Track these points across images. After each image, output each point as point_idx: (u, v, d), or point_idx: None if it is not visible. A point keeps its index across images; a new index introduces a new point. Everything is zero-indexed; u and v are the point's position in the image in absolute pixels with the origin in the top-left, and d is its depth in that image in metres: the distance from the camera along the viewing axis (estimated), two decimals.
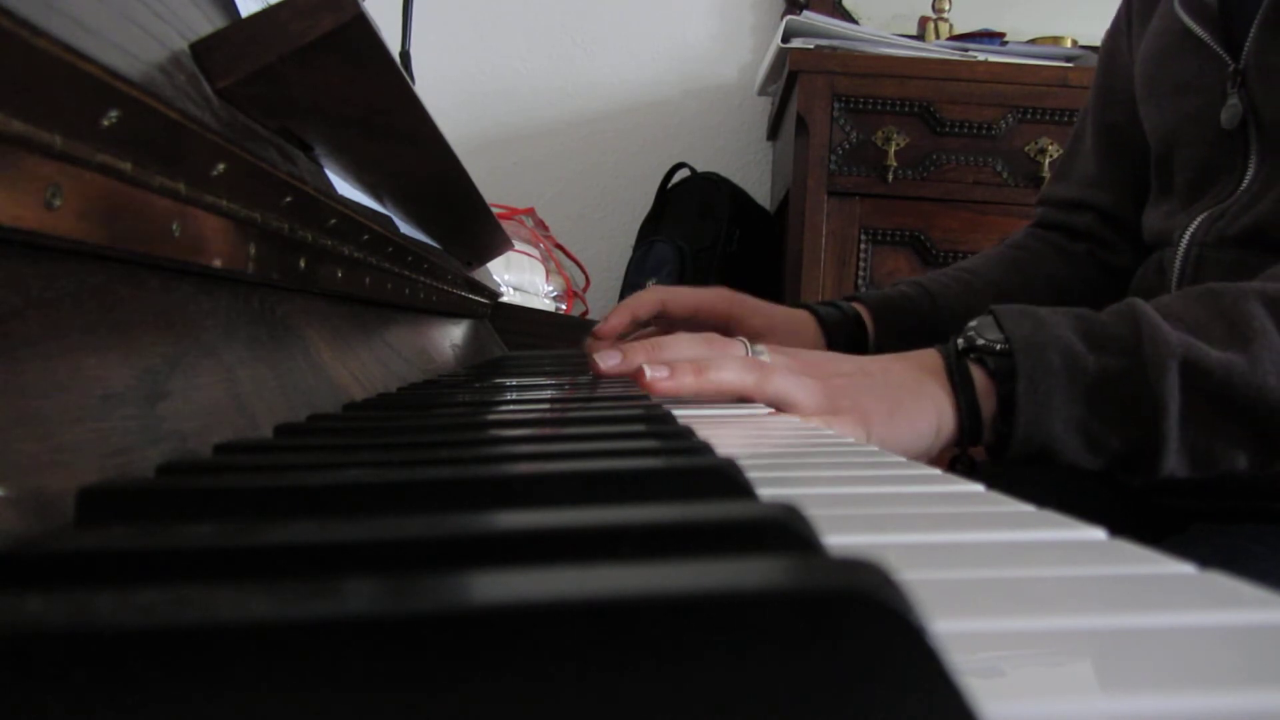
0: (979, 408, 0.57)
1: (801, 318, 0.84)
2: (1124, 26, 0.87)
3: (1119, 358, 0.54)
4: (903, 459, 0.37)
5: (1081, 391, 0.55)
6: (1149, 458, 0.55)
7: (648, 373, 0.54)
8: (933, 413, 0.58)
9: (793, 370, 0.57)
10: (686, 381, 0.54)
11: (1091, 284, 0.87)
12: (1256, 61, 0.67)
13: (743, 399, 0.55)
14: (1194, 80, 0.72)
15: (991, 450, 0.59)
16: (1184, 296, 0.58)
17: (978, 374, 0.58)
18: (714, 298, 0.83)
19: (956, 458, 0.62)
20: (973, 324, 0.59)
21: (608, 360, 0.58)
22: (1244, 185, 0.69)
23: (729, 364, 0.55)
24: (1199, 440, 0.55)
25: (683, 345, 0.60)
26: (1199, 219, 0.71)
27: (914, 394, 0.58)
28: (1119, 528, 0.24)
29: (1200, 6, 0.71)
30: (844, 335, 0.84)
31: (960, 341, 0.59)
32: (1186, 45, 0.72)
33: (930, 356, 0.60)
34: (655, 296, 0.82)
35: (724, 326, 0.81)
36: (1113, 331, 0.55)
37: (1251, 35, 0.67)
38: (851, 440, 0.45)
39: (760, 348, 0.60)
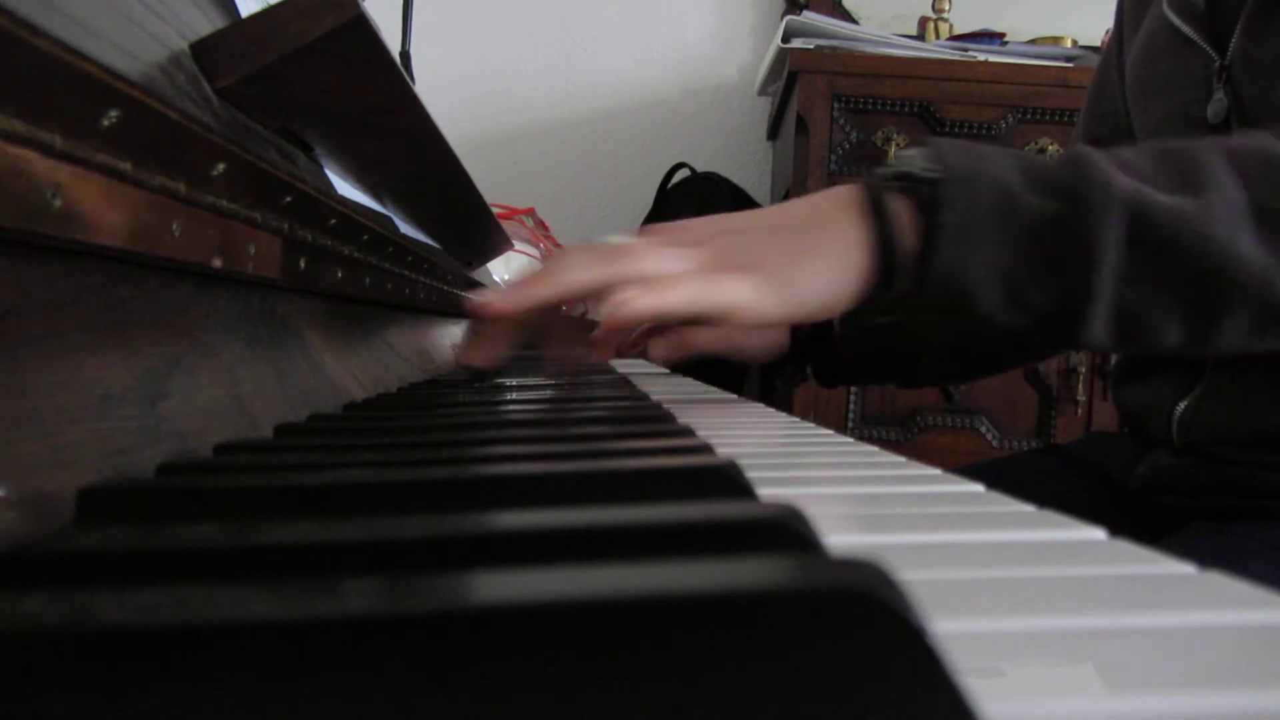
0: (896, 245, 0.50)
1: None
2: (1116, 36, 0.87)
3: (1059, 201, 0.49)
4: (901, 459, 0.37)
5: (1013, 234, 0.49)
6: (1071, 319, 0.50)
7: (491, 302, 0.49)
8: (842, 251, 0.51)
9: (663, 244, 0.51)
10: (533, 292, 0.49)
11: None
12: (1242, 56, 0.67)
13: (604, 294, 0.49)
14: (1181, 77, 0.72)
15: (902, 297, 0.52)
16: (1135, 149, 0.52)
17: (901, 204, 0.51)
18: None
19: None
20: (905, 151, 0.53)
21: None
22: None
23: (575, 261, 0.49)
24: (1131, 302, 0.49)
25: (529, 269, 0.52)
26: None
27: (819, 233, 0.51)
28: (1117, 528, 0.24)
29: (1187, 5, 0.72)
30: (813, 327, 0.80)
31: (887, 168, 0.53)
32: (1174, 44, 0.73)
33: (845, 189, 0.53)
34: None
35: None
36: (1055, 174, 0.50)
37: (1238, 31, 0.67)
38: (851, 440, 0.45)
39: (620, 236, 0.53)
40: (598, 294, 0.49)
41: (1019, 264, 0.49)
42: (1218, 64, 0.69)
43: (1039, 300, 0.50)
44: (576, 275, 0.48)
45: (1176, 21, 0.72)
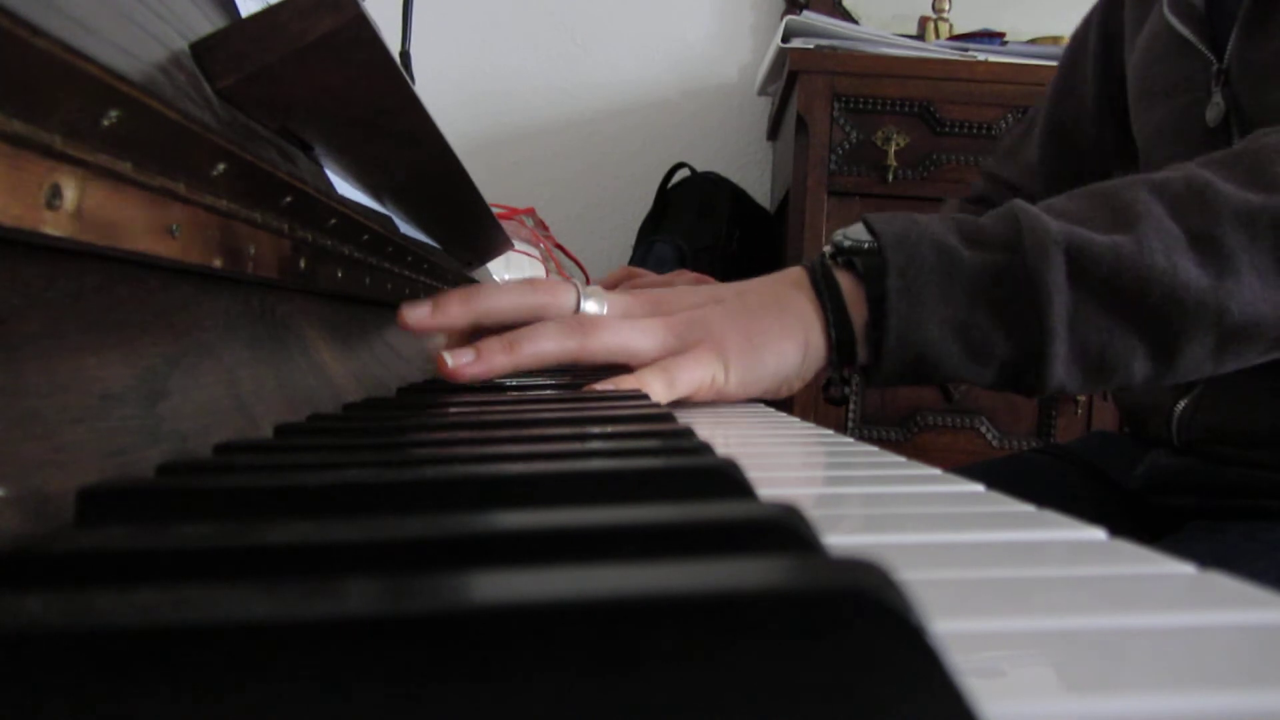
0: (848, 316, 0.52)
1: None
2: (1100, 23, 0.88)
3: (998, 252, 0.50)
4: (902, 459, 0.37)
5: (959, 290, 0.50)
6: (1035, 364, 0.50)
7: (449, 361, 0.50)
8: (798, 330, 0.52)
9: (629, 315, 0.53)
10: (498, 362, 0.50)
11: None
12: (1239, 59, 0.67)
13: (574, 362, 0.51)
14: (1181, 80, 0.73)
15: (864, 370, 0.54)
16: (1066, 196, 0.54)
17: (845, 278, 0.52)
18: (618, 276, 0.83)
19: (830, 380, 0.57)
20: (841, 230, 0.54)
21: (414, 313, 0.52)
22: None
23: (545, 332, 0.50)
24: (1090, 340, 0.50)
25: (500, 300, 0.53)
26: None
27: (774, 312, 0.53)
28: (1117, 528, 0.24)
29: (1187, 8, 0.72)
30: None
31: (827, 248, 0.54)
32: (1174, 46, 0.73)
33: (793, 271, 0.55)
34: (623, 272, 0.83)
35: None
36: (990, 229, 0.51)
37: (1234, 34, 0.68)
38: (851, 440, 0.45)
39: (593, 290, 0.54)
40: (560, 363, 0.51)
41: (972, 318, 0.50)
42: (1216, 67, 0.69)
43: (1000, 351, 0.50)
44: (546, 347, 0.50)
45: (1176, 24, 0.73)
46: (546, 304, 0.52)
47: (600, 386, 0.50)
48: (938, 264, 0.50)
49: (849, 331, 0.52)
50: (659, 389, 0.50)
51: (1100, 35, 0.87)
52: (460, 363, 0.49)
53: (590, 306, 0.54)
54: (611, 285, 0.79)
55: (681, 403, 0.59)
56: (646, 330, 0.51)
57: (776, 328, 0.52)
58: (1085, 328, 0.49)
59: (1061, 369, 0.50)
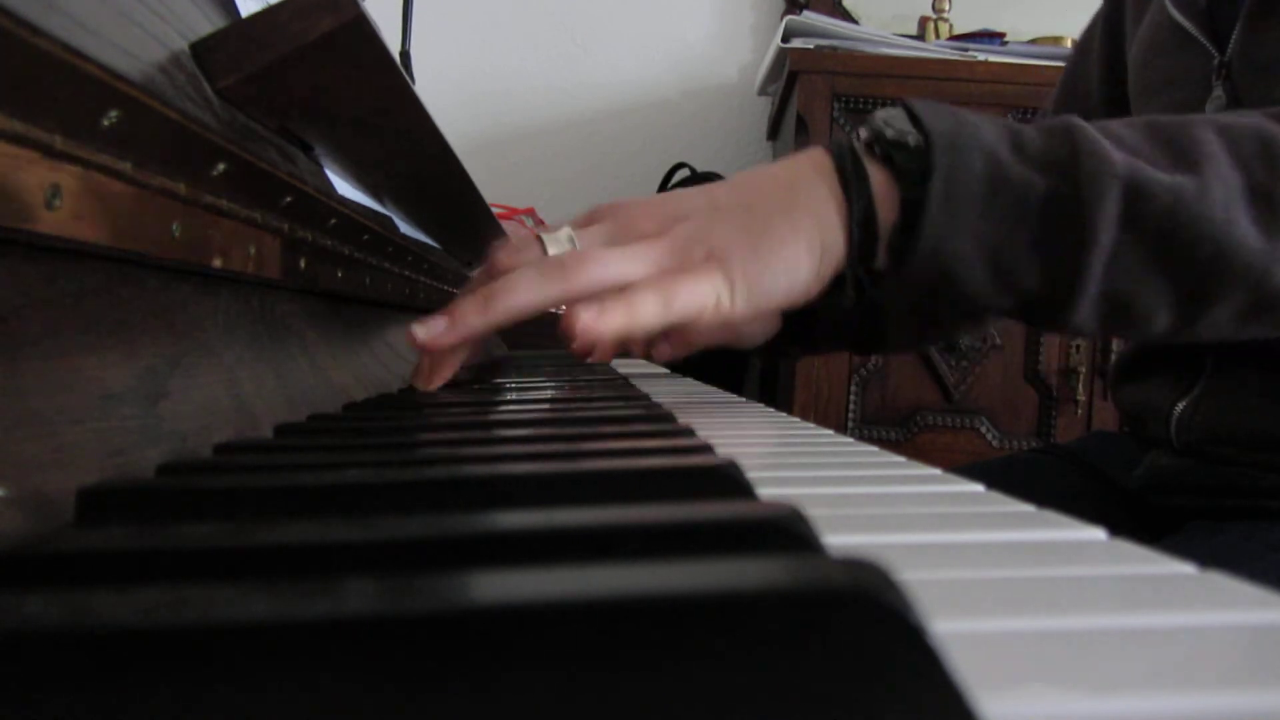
0: (875, 214, 0.46)
1: None
2: (1104, 36, 0.87)
3: (1050, 175, 0.45)
4: (901, 459, 0.37)
5: (1001, 208, 0.45)
6: (1060, 301, 0.46)
7: (420, 335, 0.45)
8: (814, 230, 0.46)
9: (614, 242, 0.47)
10: (472, 323, 0.44)
11: None
12: (1241, 54, 0.66)
13: (560, 305, 0.45)
14: (1182, 74, 0.72)
15: (877, 276, 0.48)
16: (1126, 122, 0.49)
17: (878, 173, 0.46)
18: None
19: (839, 284, 0.49)
20: (880, 113, 0.48)
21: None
22: None
23: (522, 282, 0.44)
24: (1122, 285, 0.46)
25: (473, 285, 0.48)
26: None
27: (786, 210, 0.46)
28: (1117, 528, 0.24)
29: (1189, 2, 0.71)
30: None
31: (863, 131, 0.48)
32: (1176, 40, 0.72)
33: (814, 155, 0.48)
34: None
35: None
36: (1045, 145, 0.46)
37: (1237, 28, 0.67)
38: (851, 440, 0.45)
39: (557, 236, 0.48)
40: (544, 310, 0.45)
41: (1009, 242, 0.45)
42: (1217, 61, 0.69)
43: (1028, 281, 0.46)
44: (523, 297, 0.44)
45: (1178, 17, 0.72)
46: (571, 287, 0.45)
47: (584, 317, 0.43)
48: (984, 175, 0.44)
49: (873, 234, 0.46)
50: (651, 308, 0.44)
51: (1105, 33, 0.87)
52: (434, 333, 0.44)
53: (561, 245, 0.48)
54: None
55: (683, 404, 0.59)
56: (636, 255, 0.45)
57: (787, 230, 0.46)
58: (1122, 273, 0.46)
59: (1085, 310, 0.47)
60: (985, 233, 0.45)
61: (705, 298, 0.45)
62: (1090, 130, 0.46)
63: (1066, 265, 0.46)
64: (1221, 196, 0.45)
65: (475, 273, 0.50)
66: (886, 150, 0.46)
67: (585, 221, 0.50)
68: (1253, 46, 0.66)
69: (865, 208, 0.46)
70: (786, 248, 0.46)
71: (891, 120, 0.47)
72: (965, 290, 0.47)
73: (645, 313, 0.44)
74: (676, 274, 0.45)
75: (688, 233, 0.46)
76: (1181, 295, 0.47)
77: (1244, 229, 0.45)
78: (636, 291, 0.44)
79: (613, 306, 0.44)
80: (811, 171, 0.47)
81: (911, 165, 0.45)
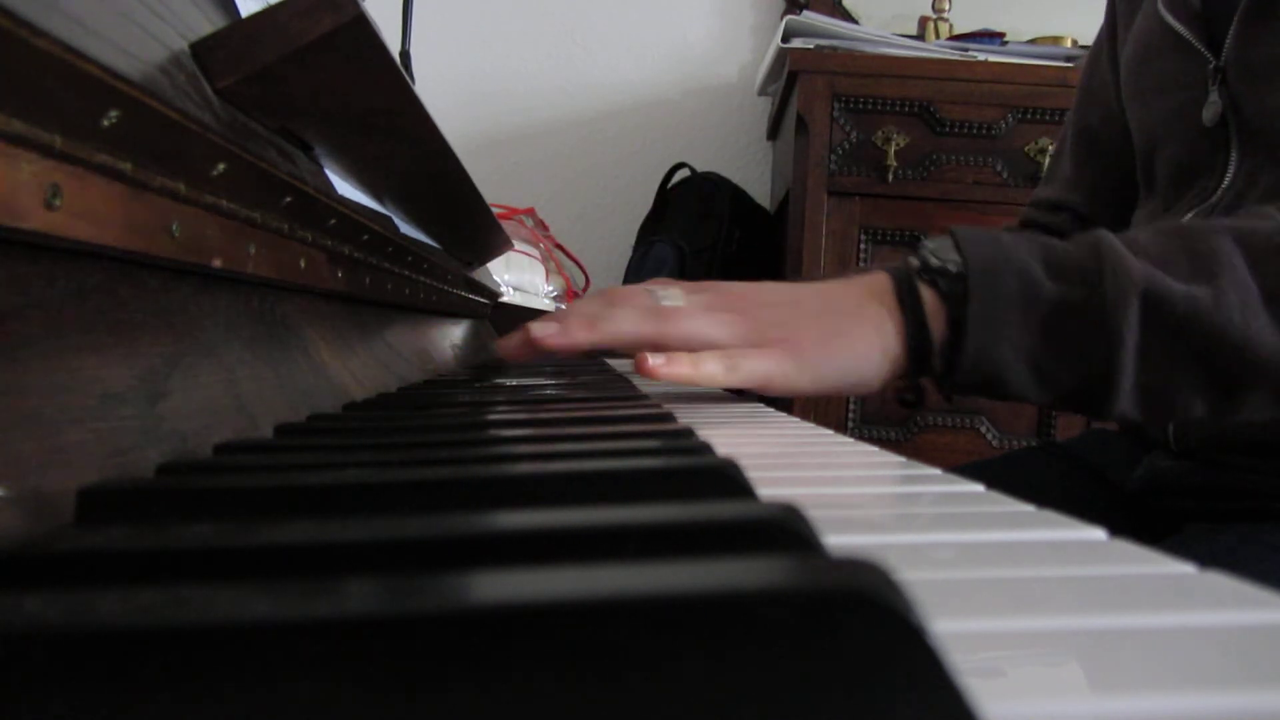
0: (928, 330, 0.54)
1: None
2: (1107, 32, 0.87)
3: (1079, 287, 0.51)
4: (902, 459, 0.37)
5: (1037, 320, 0.52)
6: (1101, 395, 0.52)
7: (535, 331, 0.54)
8: (874, 337, 0.54)
9: (709, 308, 0.55)
10: (579, 336, 0.54)
11: None
12: (1237, 58, 0.67)
13: (652, 347, 0.53)
14: (1177, 78, 0.72)
15: (939, 380, 0.56)
16: (1153, 229, 0.55)
17: (928, 295, 0.54)
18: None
19: (903, 388, 0.58)
20: (929, 243, 0.56)
21: (506, 344, 0.58)
22: (1226, 183, 0.69)
23: (624, 314, 0.54)
24: (1154, 379, 0.51)
25: (581, 304, 0.58)
26: (1187, 218, 0.71)
27: (854, 317, 0.54)
28: (1116, 528, 0.24)
29: (1183, 5, 0.71)
30: None
31: (914, 260, 0.56)
32: (1169, 44, 0.73)
33: (877, 278, 0.56)
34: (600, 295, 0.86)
35: None
36: (1075, 260, 0.53)
37: (1232, 32, 0.67)
38: (851, 440, 0.45)
39: (671, 292, 0.57)
40: (638, 347, 0.53)
41: (1045, 347, 0.52)
42: (1212, 65, 0.69)
43: (1067, 379, 0.52)
44: (625, 329, 0.53)
45: (1171, 21, 0.72)
46: (665, 332, 0.53)
47: (653, 359, 0.52)
48: (1019, 293, 0.52)
49: (927, 346, 0.54)
50: (717, 370, 0.52)
51: (1108, 37, 0.87)
52: (546, 333, 0.53)
53: (669, 301, 0.56)
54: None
55: (683, 404, 0.59)
56: (725, 323, 0.53)
57: (855, 332, 0.54)
58: (1152, 368, 0.51)
59: (1125, 400, 0.52)
60: (1024, 342, 0.52)
61: (770, 372, 0.53)
62: (1116, 243, 0.52)
63: (1100, 365, 0.51)
64: (1238, 303, 0.50)
65: (588, 293, 0.61)
66: (933, 276, 0.54)
67: (692, 289, 0.58)
68: (1247, 50, 0.66)
69: (918, 324, 0.54)
70: (850, 346, 0.54)
71: (938, 250, 0.55)
72: (1011, 391, 0.53)
73: (708, 372, 0.52)
74: (747, 348, 0.53)
75: (770, 317, 0.54)
76: (1213, 387, 0.52)
77: (1261, 330, 0.50)
78: (706, 355, 0.52)
79: (679, 360, 0.52)
80: (875, 294, 0.55)
81: (954, 289, 0.53)
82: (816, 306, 0.55)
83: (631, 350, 0.54)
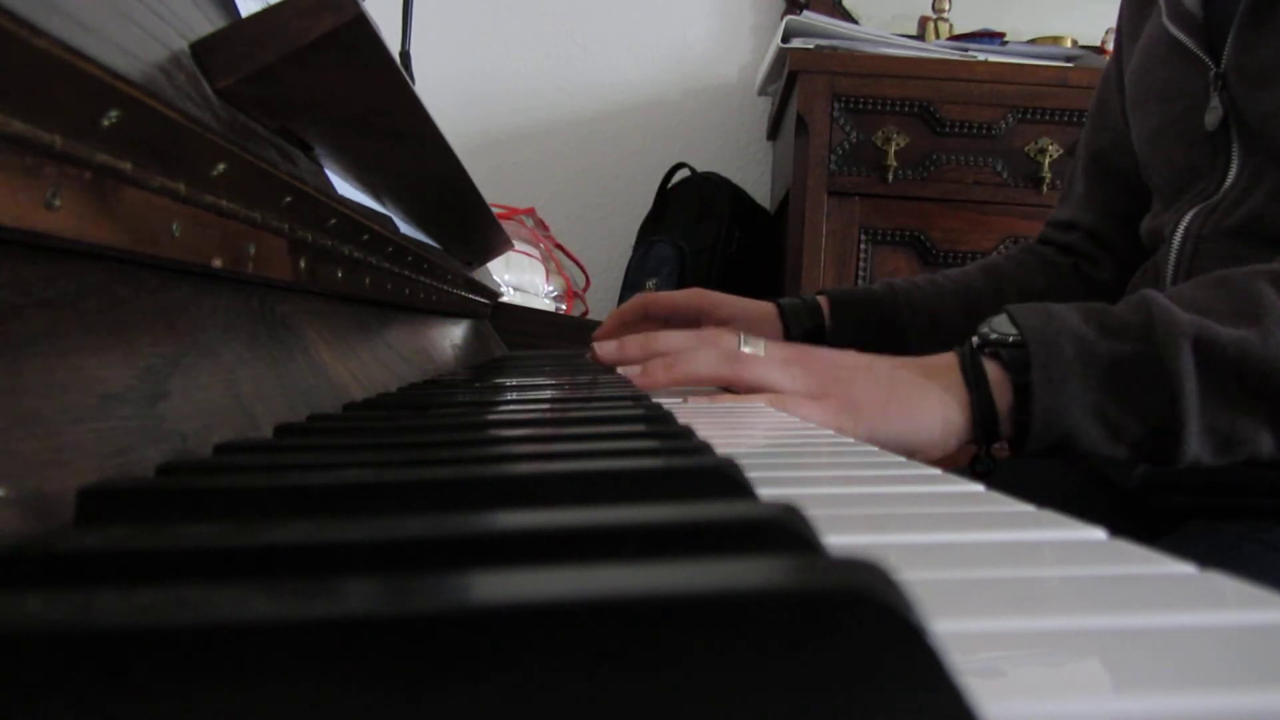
0: (993, 401, 0.58)
1: (765, 309, 0.90)
2: (1115, 55, 0.90)
3: (1131, 342, 0.55)
4: (902, 459, 0.37)
5: (1096, 377, 0.55)
6: (1171, 442, 0.55)
7: (621, 372, 0.59)
8: (936, 408, 0.58)
9: (782, 361, 0.59)
10: (658, 376, 0.59)
11: (1073, 295, 0.89)
12: (1235, 64, 0.69)
13: (723, 388, 0.59)
14: (1180, 85, 0.74)
15: (1012, 444, 0.60)
16: (1194, 283, 0.59)
17: (992, 367, 0.58)
18: (687, 296, 0.91)
19: (976, 456, 0.62)
20: (986, 322, 0.61)
21: (604, 348, 0.63)
22: (1229, 183, 0.71)
23: (702, 356, 0.59)
24: (1220, 420, 0.55)
25: (672, 339, 0.63)
26: (1190, 214, 0.73)
27: (917, 389, 0.59)
28: (1115, 528, 0.24)
29: (1185, 15, 0.74)
30: (801, 325, 0.89)
31: (975, 339, 0.60)
32: (1173, 53, 0.75)
33: (944, 357, 0.61)
34: (638, 301, 0.91)
35: (697, 321, 0.88)
36: (1123, 319, 0.56)
37: (1230, 39, 0.69)
38: (851, 440, 0.45)
39: (754, 340, 0.62)
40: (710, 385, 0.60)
41: (1109, 401, 0.56)
42: (1213, 72, 0.71)
43: (1135, 430, 0.56)
44: (702, 371, 0.58)
45: (1175, 31, 0.74)
46: (740, 376, 0.59)
47: (722, 399, 0.58)
48: (1076, 355, 0.56)
49: (993, 414, 0.58)
50: (787, 409, 0.56)
51: (1117, 57, 0.89)
52: (630, 373, 0.59)
53: (749, 348, 0.61)
54: (604, 335, 0.87)
55: (689, 403, 0.59)
56: (792, 374, 0.58)
57: (915, 401, 0.58)
58: (1214, 412, 0.55)
59: (1195, 445, 0.55)
60: (1088, 398, 0.56)
61: (823, 420, 0.56)
62: (1161, 298, 0.57)
63: (1164, 413, 0.55)
64: None
65: (683, 332, 0.66)
66: (995, 350, 0.59)
67: (776, 345, 0.63)
68: (1245, 56, 0.68)
69: (983, 394, 0.58)
70: (908, 413, 0.58)
71: (996, 325, 0.60)
72: (1083, 447, 0.57)
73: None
74: (803, 398, 0.58)
75: (836, 375, 0.59)
76: (1273, 423, 0.55)
77: None
78: (763, 396, 0.58)
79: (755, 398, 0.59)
80: (943, 370, 0.60)
81: (1015, 357, 0.58)
82: (884, 376, 0.60)
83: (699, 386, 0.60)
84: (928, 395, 0.59)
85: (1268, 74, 0.67)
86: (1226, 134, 0.70)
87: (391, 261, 0.66)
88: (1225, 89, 0.70)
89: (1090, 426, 0.56)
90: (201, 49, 0.37)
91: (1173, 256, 0.74)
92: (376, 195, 0.65)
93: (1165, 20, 0.75)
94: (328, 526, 0.19)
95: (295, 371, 0.45)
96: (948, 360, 0.61)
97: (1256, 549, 0.63)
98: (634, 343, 0.63)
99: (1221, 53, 0.70)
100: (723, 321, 0.86)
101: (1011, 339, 0.58)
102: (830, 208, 1.70)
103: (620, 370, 0.60)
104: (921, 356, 0.62)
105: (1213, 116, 0.70)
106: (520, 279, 1.64)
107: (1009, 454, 0.62)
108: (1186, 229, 0.73)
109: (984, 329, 0.60)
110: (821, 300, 0.91)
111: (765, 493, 0.25)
